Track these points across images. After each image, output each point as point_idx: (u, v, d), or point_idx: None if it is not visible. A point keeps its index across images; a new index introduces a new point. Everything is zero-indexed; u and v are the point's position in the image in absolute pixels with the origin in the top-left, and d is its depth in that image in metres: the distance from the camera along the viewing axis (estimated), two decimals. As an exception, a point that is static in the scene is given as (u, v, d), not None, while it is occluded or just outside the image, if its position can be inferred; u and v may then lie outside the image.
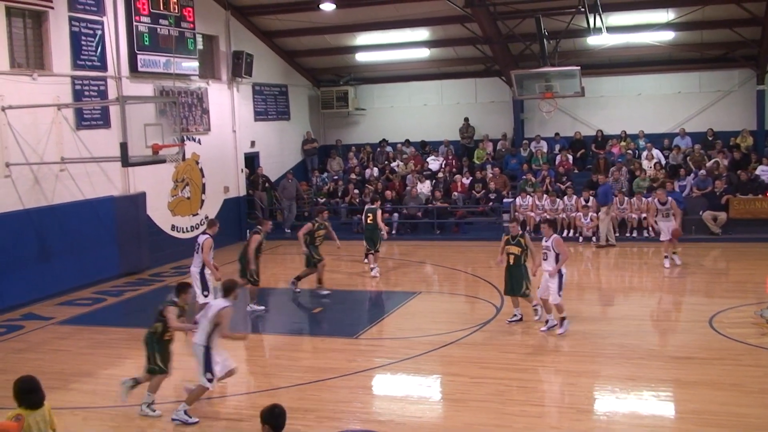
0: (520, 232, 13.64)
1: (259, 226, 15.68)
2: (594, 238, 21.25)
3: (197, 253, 13.84)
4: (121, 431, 9.69)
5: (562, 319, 12.85)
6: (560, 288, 12.73)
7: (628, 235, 21.64)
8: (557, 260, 12.71)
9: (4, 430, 7.53)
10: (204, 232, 14.31)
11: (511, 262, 13.41)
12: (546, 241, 12.92)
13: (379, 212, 18.17)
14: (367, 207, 18.92)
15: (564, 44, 23.41)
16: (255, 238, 15.08)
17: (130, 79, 19.07)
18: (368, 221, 18.01)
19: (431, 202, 24.19)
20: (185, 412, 9.78)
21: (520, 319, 13.60)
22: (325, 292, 16.26)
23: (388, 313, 14.82)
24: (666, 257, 17.87)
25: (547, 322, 13.07)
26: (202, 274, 13.80)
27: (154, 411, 10.03)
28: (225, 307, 9.79)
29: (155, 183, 20.02)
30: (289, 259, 20.84)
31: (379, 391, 11.11)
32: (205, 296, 13.67)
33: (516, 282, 13.42)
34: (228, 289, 10.05)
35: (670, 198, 18.26)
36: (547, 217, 20.32)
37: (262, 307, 15.46)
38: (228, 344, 13.29)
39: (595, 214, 21.37)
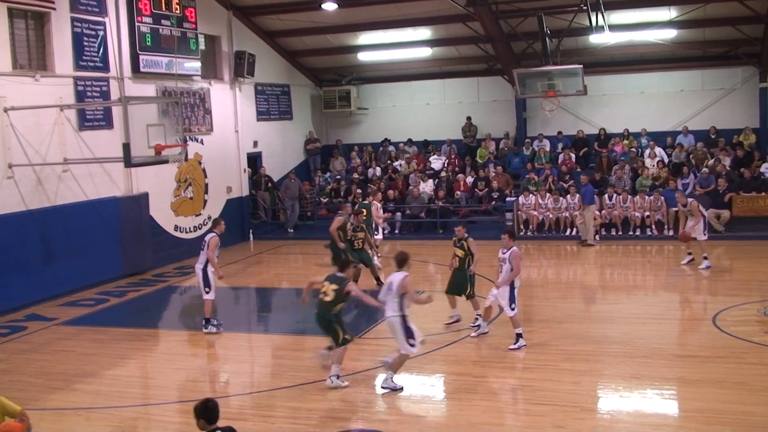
0: (465, 236, 13.39)
1: (340, 210, 16.58)
2: (581, 236, 21.26)
3: (203, 250, 13.83)
4: None
5: (518, 335, 12.04)
6: (512, 301, 12.07)
7: (631, 233, 21.61)
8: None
9: (9, 430, 7.56)
10: (210, 230, 14.28)
11: (456, 264, 13.34)
12: (503, 252, 12.31)
13: (373, 207, 18.13)
14: (360, 203, 18.91)
15: (566, 43, 23.41)
16: (338, 219, 15.78)
17: (133, 79, 19.07)
18: (362, 217, 17.97)
19: (434, 201, 24.17)
20: (392, 380, 10.51)
21: (458, 320, 13.48)
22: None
23: (391, 313, 14.78)
24: (705, 257, 17.59)
25: (478, 327, 12.91)
26: (204, 271, 13.80)
27: (343, 382, 10.67)
28: (405, 276, 10.58)
29: (158, 183, 20.03)
30: (292, 259, 20.86)
31: (382, 391, 11.09)
32: (207, 293, 13.68)
33: (458, 285, 13.35)
34: (402, 261, 10.85)
35: (690, 200, 18.12)
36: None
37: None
38: (231, 341, 13.34)
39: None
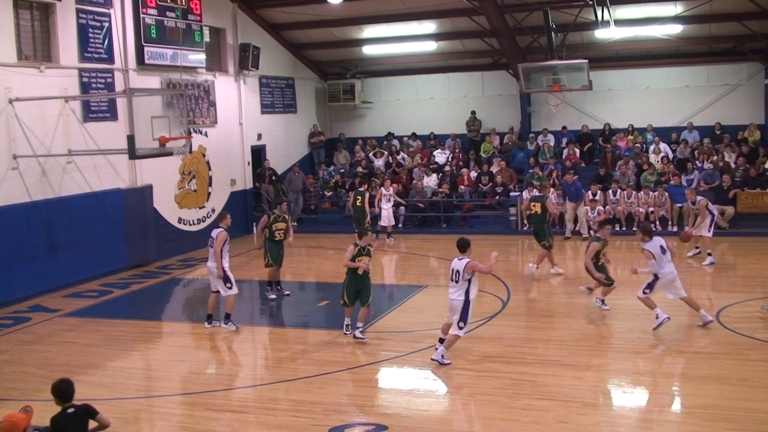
0: (371, 242, 12.90)
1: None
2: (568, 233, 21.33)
3: (211, 247, 13.55)
4: (128, 423, 9.70)
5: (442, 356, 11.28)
6: (464, 320, 11.09)
7: (635, 229, 21.51)
8: (468, 288, 11.02)
9: (14, 422, 7.57)
10: (217, 225, 14.16)
11: (359, 272, 12.51)
12: (459, 261, 11.22)
13: (367, 195, 18.30)
14: (356, 190, 19.08)
15: (572, 37, 23.36)
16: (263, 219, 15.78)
17: (137, 71, 19.07)
18: (357, 203, 18.07)
19: (437, 195, 24.15)
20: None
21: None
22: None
23: (394, 307, 14.81)
24: (709, 254, 17.62)
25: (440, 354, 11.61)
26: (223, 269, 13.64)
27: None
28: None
29: (162, 175, 20.04)
30: (295, 252, 20.83)
31: (385, 385, 11.12)
32: (229, 288, 13.49)
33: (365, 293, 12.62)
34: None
35: (699, 198, 18.05)
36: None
37: None
38: (234, 334, 13.35)
39: (598, 208, 21.31)
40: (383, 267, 18.99)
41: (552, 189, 22.44)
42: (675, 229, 21.06)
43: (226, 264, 13.42)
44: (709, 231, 17.54)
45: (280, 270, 15.89)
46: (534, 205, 17.45)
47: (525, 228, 22.17)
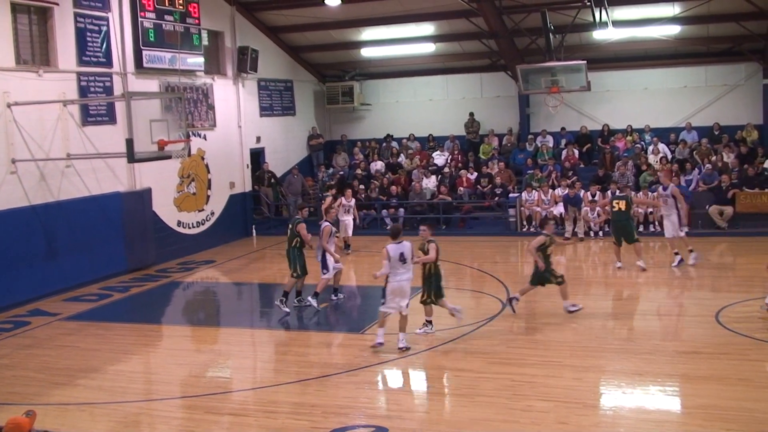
0: (429, 239, 12.76)
1: None
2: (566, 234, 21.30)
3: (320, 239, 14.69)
4: (128, 427, 9.71)
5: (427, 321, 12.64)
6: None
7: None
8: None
9: (18, 424, 7.57)
10: (324, 220, 15.10)
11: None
12: (400, 244, 12.02)
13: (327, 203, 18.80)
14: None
15: (570, 39, 23.38)
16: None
17: (136, 75, 19.09)
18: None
19: (436, 197, 24.16)
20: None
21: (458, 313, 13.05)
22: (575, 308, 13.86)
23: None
24: (676, 253, 17.40)
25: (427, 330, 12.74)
26: (323, 255, 14.75)
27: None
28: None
29: (161, 179, 20.05)
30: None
31: (385, 387, 11.11)
32: (324, 273, 14.75)
33: (437, 289, 12.87)
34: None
35: (672, 185, 17.70)
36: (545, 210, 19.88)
37: None
38: (234, 337, 13.35)
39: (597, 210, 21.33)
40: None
41: (551, 190, 22.58)
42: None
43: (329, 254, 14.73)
44: (681, 231, 17.48)
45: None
46: (617, 203, 17.26)
47: (524, 229, 22.21)
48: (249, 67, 23.51)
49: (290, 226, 15.05)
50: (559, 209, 21.83)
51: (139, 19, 18.91)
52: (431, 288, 12.72)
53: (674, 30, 23.30)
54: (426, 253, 12.57)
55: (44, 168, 16.66)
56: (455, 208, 24.21)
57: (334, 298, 15.46)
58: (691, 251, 17.43)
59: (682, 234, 17.48)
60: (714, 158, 22.96)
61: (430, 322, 12.85)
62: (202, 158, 22.08)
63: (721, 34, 23.76)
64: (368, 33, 25.76)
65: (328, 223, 14.79)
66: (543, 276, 13.65)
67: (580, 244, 20.74)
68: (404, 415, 9.63)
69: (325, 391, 10.55)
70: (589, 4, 20.86)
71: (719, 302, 13.95)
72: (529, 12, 22.34)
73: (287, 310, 14.57)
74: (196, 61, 21.08)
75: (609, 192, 21.39)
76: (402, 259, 11.83)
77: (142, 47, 19.04)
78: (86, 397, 10.69)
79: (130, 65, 18.93)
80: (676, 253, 17.40)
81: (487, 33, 24.01)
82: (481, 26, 23.71)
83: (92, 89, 17.91)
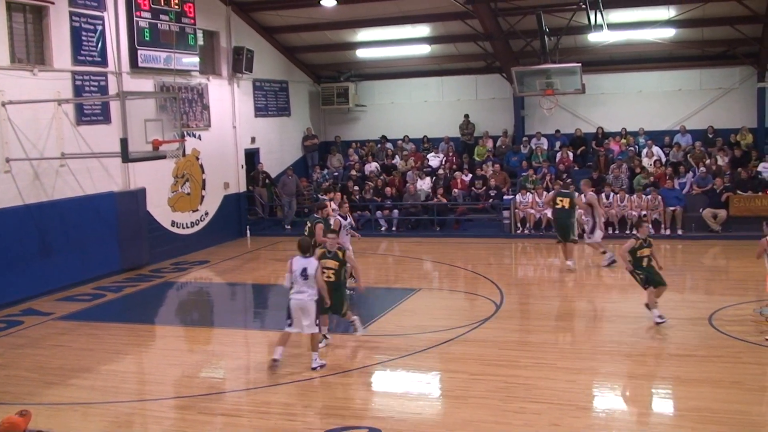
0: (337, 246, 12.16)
1: None
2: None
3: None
4: (120, 427, 9.69)
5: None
6: (318, 317, 11.37)
7: (628, 232, 21.58)
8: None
9: (14, 423, 7.56)
10: (339, 214, 15.45)
11: (332, 278, 11.94)
12: (305, 259, 11.34)
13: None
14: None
15: (565, 41, 23.40)
16: None
17: (131, 74, 19.05)
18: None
19: (431, 198, 24.18)
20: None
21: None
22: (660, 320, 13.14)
23: (387, 310, 14.81)
24: (603, 252, 17.96)
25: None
26: None
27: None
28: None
29: (155, 179, 20.01)
30: (289, 256, 20.78)
31: (379, 388, 11.12)
32: None
33: (335, 302, 11.97)
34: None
35: (590, 193, 18.39)
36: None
37: None
38: (227, 337, 13.34)
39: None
40: (377, 270, 18.99)
41: (545, 192, 22.58)
42: (668, 232, 21.13)
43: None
44: (590, 237, 18.01)
45: None
46: (561, 200, 17.66)
47: (518, 231, 22.25)
48: (244, 68, 23.49)
49: (308, 224, 15.11)
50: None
51: (135, 19, 18.86)
52: (342, 298, 12.11)
53: (669, 33, 23.34)
54: (340, 260, 11.94)
55: (38, 167, 16.61)
56: (450, 209, 24.22)
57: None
58: (603, 252, 18.03)
59: (594, 239, 18.02)
60: (708, 161, 23.03)
61: (325, 336, 12.21)
62: (197, 158, 22.04)
63: (715, 38, 23.83)
64: (363, 34, 25.76)
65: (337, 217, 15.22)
66: (650, 277, 13.08)
67: (574, 246, 20.72)
68: (397, 416, 9.63)
69: (318, 392, 10.56)
70: (584, 6, 20.89)
71: (712, 305, 14.00)
72: (525, 14, 22.36)
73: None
74: (192, 61, 21.05)
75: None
76: (304, 275, 11.12)
77: (138, 47, 19.00)
78: (79, 396, 10.67)
79: (125, 65, 18.88)
80: (603, 252, 18.00)
81: (483, 35, 24.03)
82: (476, 28, 23.74)
83: (87, 88, 17.88)
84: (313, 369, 11.27)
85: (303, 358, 11.96)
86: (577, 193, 18.08)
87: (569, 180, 22.97)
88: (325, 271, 11.73)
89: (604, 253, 17.96)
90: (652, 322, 13.02)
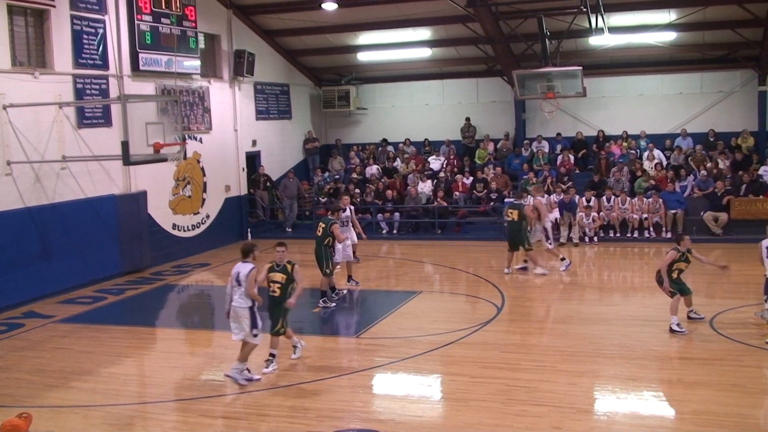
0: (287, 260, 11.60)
1: None
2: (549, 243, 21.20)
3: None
4: (122, 430, 9.69)
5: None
6: (255, 326, 11.01)
7: (629, 235, 21.64)
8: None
9: (15, 425, 7.56)
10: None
11: (277, 293, 11.41)
12: (243, 265, 10.97)
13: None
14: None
15: (566, 44, 23.41)
16: None
17: (132, 77, 19.07)
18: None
19: (432, 201, 24.18)
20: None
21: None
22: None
23: (388, 313, 14.80)
24: (562, 258, 18.11)
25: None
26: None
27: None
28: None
29: (156, 182, 20.02)
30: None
31: (380, 391, 11.11)
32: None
33: (274, 318, 11.53)
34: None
35: (538, 198, 18.72)
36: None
37: None
38: (228, 340, 13.34)
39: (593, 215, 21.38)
40: (378, 273, 19.00)
41: (546, 195, 22.57)
42: (669, 235, 21.11)
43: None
44: (549, 242, 18.18)
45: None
46: (511, 212, 18.03)
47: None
48: (245, 71, 23.51)
49: (323, 225, 15.35)
50: (554, 215, 21.82)
51: (136, 22, 18.90)
52: (284, 315, 11.51)
53: (670, 37, 23.37)
54: (288, 274, 11.41)
55: (39, 170, 16.63)
56: (451, 212, 24.23)
57: (348, 284, 16.74)
58: (562, 259, 18.13)
59: (550, 246, 18.25)
60: (709, 165, 23.03)
61: (273, 356, 11.57)
62: (198, 161, 22.06)
63: (716, 41, 23.83)
64: (365, 37, 25.78)
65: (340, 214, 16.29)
66: (682, 288, 13.11)
67: (575, 249, 20.74)
68: (398, 418, 9.63)
69: (319, 394, 10.55)
70: (585, 10, 20.89)
71: (714, 308, 13.98)
72: (526, 17, 22.37)
73: (333, 304, 15.38)
74: (193, 64, 21.07)
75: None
76: (238, 280, 10.86)
77: (139, 50, 19.03)
78: (80, 399, 10.67)
79: (127, 68, 18.91)
80: (562, 258, 18.14)
81: (484, 38, 24.06)
82: (477, 31, 23.75)
83: (88, 91, 17.90)
84: (226, 375, 11.03)
85: (303, 360, 11.95)
86: (528, 203, 18.43)
87: (570, 183, 23.08)
88: (271, 285, 11.36)
89: (563, 259, 18.15)
90: (652, 325, 13.01)
